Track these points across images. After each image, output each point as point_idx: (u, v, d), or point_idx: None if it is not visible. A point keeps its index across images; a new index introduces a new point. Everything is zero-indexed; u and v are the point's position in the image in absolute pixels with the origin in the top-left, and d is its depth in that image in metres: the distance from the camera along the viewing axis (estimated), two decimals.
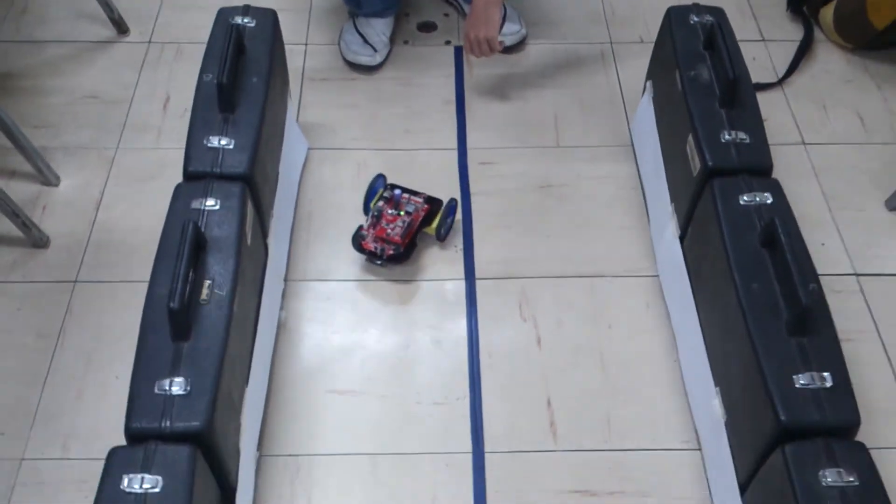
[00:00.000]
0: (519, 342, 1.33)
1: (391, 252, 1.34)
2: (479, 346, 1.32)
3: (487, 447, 1.22)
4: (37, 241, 1.40)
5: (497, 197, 1.51)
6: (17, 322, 1.33)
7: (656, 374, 1.29)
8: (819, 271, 1.08)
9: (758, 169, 1.18)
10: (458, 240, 1.45)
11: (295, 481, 1.18)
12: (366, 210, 1.42)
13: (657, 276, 1.39)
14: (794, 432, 0.94)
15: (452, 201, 1.42)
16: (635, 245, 1.44)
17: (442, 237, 1.41)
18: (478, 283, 1.40)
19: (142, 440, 0.92)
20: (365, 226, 1.37)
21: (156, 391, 0.95)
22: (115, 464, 0.90)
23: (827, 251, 1.43)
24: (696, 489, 1.18)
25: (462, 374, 1.29)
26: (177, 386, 0.95)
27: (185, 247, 1.02)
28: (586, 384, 1.28)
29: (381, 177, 1.44)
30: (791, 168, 1.55)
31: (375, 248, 1.35)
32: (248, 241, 1.15)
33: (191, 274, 1.02)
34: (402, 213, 1.38)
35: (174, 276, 0.99)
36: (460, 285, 1.39)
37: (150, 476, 0.88)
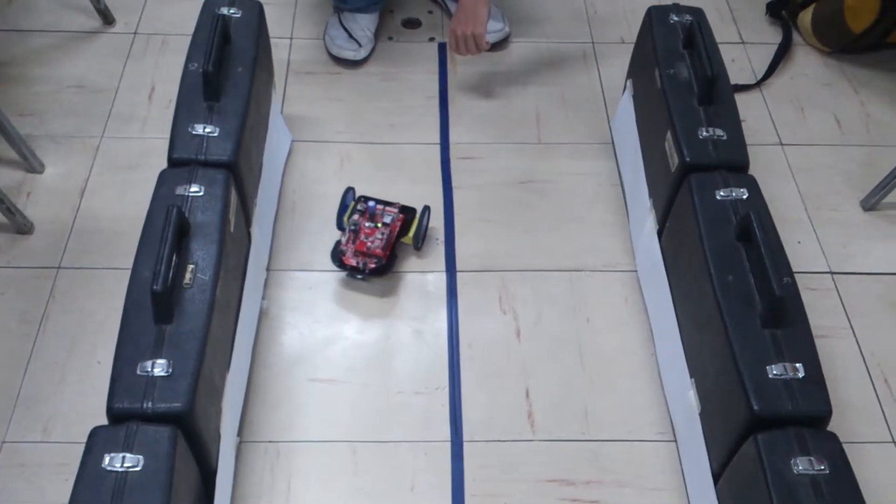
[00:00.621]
0: (498, 334, 1.34)
1: (373, 265, 1.33)
2: (459, 338, 1.33)
3: (466, 436, 1.23)
4: (21, 227, 1.40)
5: (478, 191, 1.53)
6: (0, 307, 1.33)
7: (633, 367, 1.31)
8: (795, 269, 1.10)
9: (735, 165, 1.20)
10: (439, 233, 1.46)
11: (275, 467, 1.19)
12: (339, 225, 1.39)
13: (636, 271, 1.42)
14: (767, 422, 0.96)
15: (426, 209, 1.40)
16: (615, 240, 1.46)
17: (419, 246, 1.40)
18: (458, 275, 1.41)
19: (123, 420, 0.93)
20: (343, 241, 1.35)
21: (138, 372, 0.96)
22: (97, 443, 0.91)
23: (803, 249, 1.46)
24: (672, 479, 1.19)
25: (442, 365, 1.31)
26: (159, 367, 0.96)
27: (168, 231, 1.03)
28: (564, 376, 1.30)
29: (350, 190, 1.41)
30: (768, 168, 1.57)
31: (357, 263, 1.33)
32: (232, 228, 1.16)
33: (174, 258, 1.03)
34: (379, 224, 1.36)
35: (158, 259, 0.99)
36: (441, 277, 1.41)
37: (131, 455, 0.89)
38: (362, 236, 1.35)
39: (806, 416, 0.96)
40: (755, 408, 0.96)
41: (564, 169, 1.57)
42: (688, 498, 1.17)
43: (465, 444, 1.23)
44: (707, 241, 1.11)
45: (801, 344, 1.01)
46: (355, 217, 1.37)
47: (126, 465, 0.89)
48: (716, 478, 1.06)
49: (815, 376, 0.98)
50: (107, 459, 0.89)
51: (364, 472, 1.19)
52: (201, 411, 0.98)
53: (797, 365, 0.99)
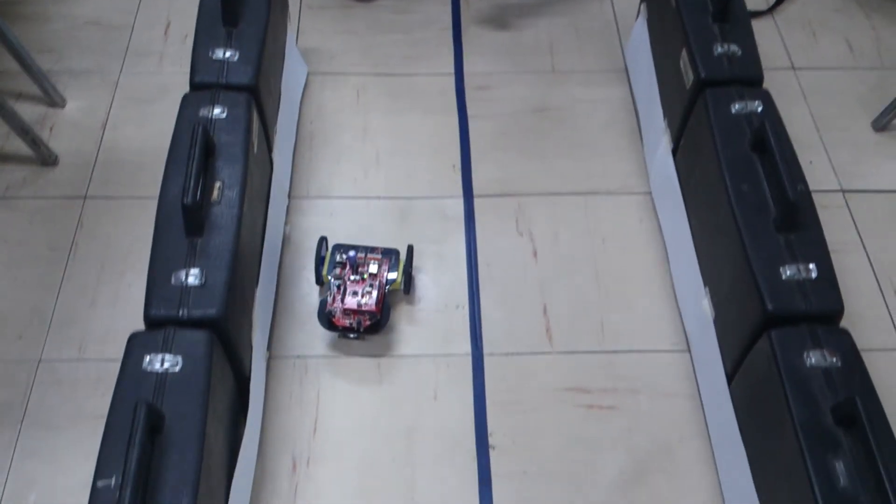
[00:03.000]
0: (516, 255, 1.37)
1: (369, 323, 1.22)
2: (477, 259, 1.36)
3: (486, 350, 1.27)
4: (45, 158, 1.43)
5: (494, 120, 1.55)
6: (30, 235, 1.36)
7: (647, 284, 1.34)
8: None
9: (749, 79, 1.22)
10: (455, 157, 1.49)
11: (304, 380, 1.23)
12: (318, 279, 1.27)
13: (650, 193, 1.44)
14: (780, 319, 0.99)
15: (409, 249, 1.30)
16: (629, 164, 1.48)
17: (408, 289, 1.29)
18: (476, 200, 1.44)
19: (160, 326, 0.96)
20: (329, 300, 1.22)
21: (172, 282, 1.00)
22: (136, 346, 0.95)
23: (815, 169, 1.48)
24: (684, 385, 1.23)
25: (462, 285, 1.34)
26: (192, 277, 1.00)
27: (195, 149, 1.05)
28: (580, 293, 1.33)
29: (323, 240, 1.30)
30: (780, 91, 1.57)
31: (350, 323, 1.22)
32: (255, 150, 1.18)
33: (202, 175, 1.05)
34: (365, 276, 1.24)
35: (187, 175, 1.02)
36: (459, 203, 1.44)
37: (170, 356, 0.93)
38: (350, 292, 1.22)
39: (818, 313, 0.99)
40: (769, 306, 0.99)
41: (578, 96, 1.59)
42: (701, 401, 1.20)
43: (485, 356, 1.26)
44: (722, 152, 1.13)
45: (813, 246, 1.03)
46: (337, 271, 1.25)
47: (165, 365, 0.93)
48: (729, 379, 1.09)
49: (828, 276, 1.01)
50: (147, 360, 0.93)
51: (388, 383, 1.23)
52: (234, 319, 1.02)
53: (810, 265, 1.02)
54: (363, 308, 1.21)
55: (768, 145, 1.09)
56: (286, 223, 1.38)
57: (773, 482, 0.97)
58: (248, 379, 1.09)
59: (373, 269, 1.25)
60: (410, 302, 1.30)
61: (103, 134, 1.50)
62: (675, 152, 1.32)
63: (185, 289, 0.99)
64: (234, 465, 1.01)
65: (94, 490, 0.85)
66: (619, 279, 1.35)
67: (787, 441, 0.92)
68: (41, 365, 1.23)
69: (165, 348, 0.94)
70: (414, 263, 1.34)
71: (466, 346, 1.27)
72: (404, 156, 1.49)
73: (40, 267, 1.33)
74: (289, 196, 1.42)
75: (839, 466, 0.88)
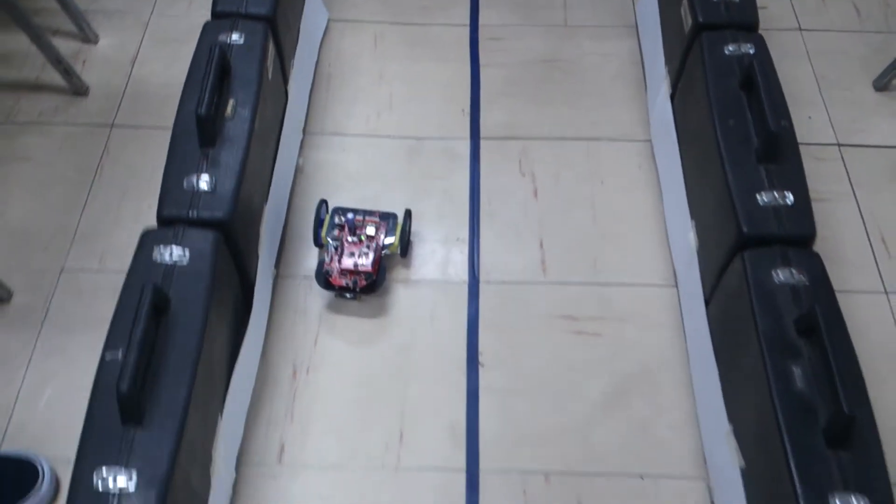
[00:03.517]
0: (517, 193, 1.43)
1: (364, 283, 1.25)
2: (480, 195, 1.43)
3: (483, 278, 1.33)
4: (77, 88, 1.52)
5: (504, 69, 1.61)
6: (59, 158, 1.45)
7: (642, 224, 1.39)
8: (803, 141, 1.17)
9: (745, 24, 1.26)
10: (465, 102, 1.55)
11: (308, 297, 1.30)
12: (317, 241, 1.31)
13: (650, 141, 1.49)
14: (754, 240, 1.04)
15: (407, 213, 1.32)
16: (632, 114, 1.54)
17: (405, 253, 1.33)
18: (482, 142, 1.50)
19: (171, 225, 1.04)
20: (327, 259, 1.26)
21: (184, 187, 1.07)
22: (148, 240, 1.02)
23: (813, 124, 1.52)
24: (669, 317, 1.29)
25: (463, 218, 1.40)
26: (203, 182, 1.07)
27: (211, 67, 1.13)
28: (577, 229, 1.39)
29: (323, 203, 1.33)
30: (785, 52, 1.63)
31: (347, 283, 1.25)
32: (269, 76, 1.25)
33: (217, 93, 1.13)
34: (362, 237, 1.27)
35: (202, 90, 1.10)
36: (466, 144, 1.50)
37: (178, 248, 1.00)
38: (347, 253, 1.26)
39: (791, 236, 1.04)
40: (744, 229, 1.04)
41: (588, 49, 1.64)
42: (683, 331, 1.26)
43: (481, 284, 1.33)
44: (712, 90, 1.18)
45: (791, 175, 1.08)
46: (335, 232, 1.28)
47: (174, 257, 1.00)
48: (707, 303, 1.15)
49: (803, 203, 1.06)
50: (156, 251, 1.00)
51: (389, 306, 1.30)
52: (241, 226, 1.09)
53: (786, 193, 1.06)
54: (359, 269, 1.24)
55: (755, 83, 1.13)
56: (300, 155, 1.46)
57: (738, 392, 1.03)
58: (253, 286, 1.16)
59: (370, 231, 1.28)
60: (407, 266, 1.34)
61: (132, 69, 1.58)
62: (672, 97, 1.37)
63: (196, 193, 1.06)
64: (235, 359, 1.08)
65: (103, 361, 0.93)
66: (614, 219, 1.40)
67: (752, 351, 0.97)
68: (63, 274, 1.32)
69: (175, 241, 1.02)
70: (418, 202, 1.40)
71: (464, 274, 1.34)
72: (416, 100, 1.56)
73: (67, 188, 1.41)
74: (304, 131, 1.49)
75: (797, 371, 0.93)
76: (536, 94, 1.57)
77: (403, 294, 1.31)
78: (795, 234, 1.04)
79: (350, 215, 1.30)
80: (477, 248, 1.36)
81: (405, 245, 1.31)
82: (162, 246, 1.01)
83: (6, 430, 1.17)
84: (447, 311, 1.30)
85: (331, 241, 1.27)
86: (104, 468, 0.85)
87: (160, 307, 0.95)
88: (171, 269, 1.00)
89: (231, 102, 1.16)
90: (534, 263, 1.35)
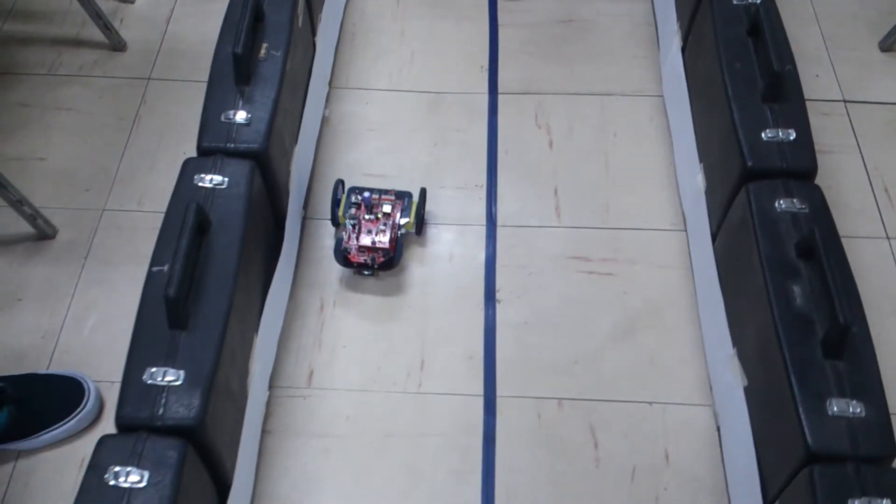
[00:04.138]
0: (533, 144, 1.50)
1: (383, 259, 1.29)
2: (497, 145, 1.49)
3: (499, 222, 1.40)
4: (116, 44, 1.59)
5: (522, 29, 1.67)
6: (99, 107, 1.53)
7: (653, 172, 1.46)
8: (810, 97, 1.24)
9: None
10: (483, 60, 1.62)
11: (331, 236, 1.37)
12: (334, 221, 1.34)
13: (662, 96, 1.55)
14: (759, 174, 1.10)
15: (423, 192, 1.35)
16: (645, 70, 1.60)
17: (419, 231, 1.35)
18: (500, 96, 1.57)
19: (210, 155, 1.11)
20: (345, 238, 1.29)
21: (222, 120, 1.14)
22: (190, 168, 1.10)
23: (820, 81, 1.57)
24: (678, 259, 1.35)
25: (481, 167, 1.47)
26: (240, 116, 1.14)
27: (247, 10, 1.20)
28: (590, 178, 1.45)
29: (339, 182, 1.35)
30: (794, 14, 1.68)
31: (365, 260, 1.28)
32: (300, 24, 1.32)
33: (251, 36, 1.20)
34: (379, 215, 1.31)
35: (237, 31, 1.17)
36: (484, 98, 1.56)
37: (218, 175, 1.08)
38: (365, 231, 1.29)
39: (793, 169, 1.10)
40: (749, 163, 1.10)
41: (603, 11, 1.70)
42: (692, 271, 1.32)
43: (498, 228, 1.39)
44: (720, 36, 1.24)
45: (794, 114, 1.14)
46: (352, 211, 1.31)
47: (214, 182, 1.07)
48: (713, 239, 1.21)
49: (805, 139, 1.12)
50: (197, 178, 1.08)
51: (411, 244, 1.37)
52: (274, 158, 1.16)
53: (790, 130, 1.12)
54: (377, 245, 1.28)
55: (761, 30, 1.19)
56: (326, 107, 1.53)
57: (742, 316, 1.09)
58: (284, 219, 1.23)
59: (386, 209, 1.31)
60: (422, 244, 1.36)
61: (167, 27, 1.65)
62: (683, 51, 1.43)
63: (233, 126, 1.14)
64: (268, 286, 1.16)
65: (150, 274, 1.00)
66: (626, 168, 1.46)
67: (755, 274, 1.04)
68: (104, 213, 1.39)
69: (214, 170, 1.09)
70: (439, 151, 1.47)
71: (482, 218, 1.40)
72: (437, 57, 1.62)
73: (107, 134, 1.49)
74: (329, 85, 1.56)
75: (797, 290, 0.99)
76: (552, 52, 1.63)
77: (420, 253, 1.37)
78: (797, 168, 1.10)
79: (367, 194, 1.33)
80: (494, 195, 1.43)
81: (420, 223, 1.34)
82: (202, 173, 1.08)
83: (53, 354, 1.24)
84: (465, 252, 1.36)
85: (348, 220, 1.30)
86: (153, 368, 0.92)
87: (202, 226, 1.02)
88: (211, 192, 1.07)
89: (264, 46, 1.23)
90: (548, 209, 1.42)
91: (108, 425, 1.18)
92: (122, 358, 1.23)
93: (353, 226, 1.30)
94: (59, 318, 1.28)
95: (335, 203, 1.33)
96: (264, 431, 1.18)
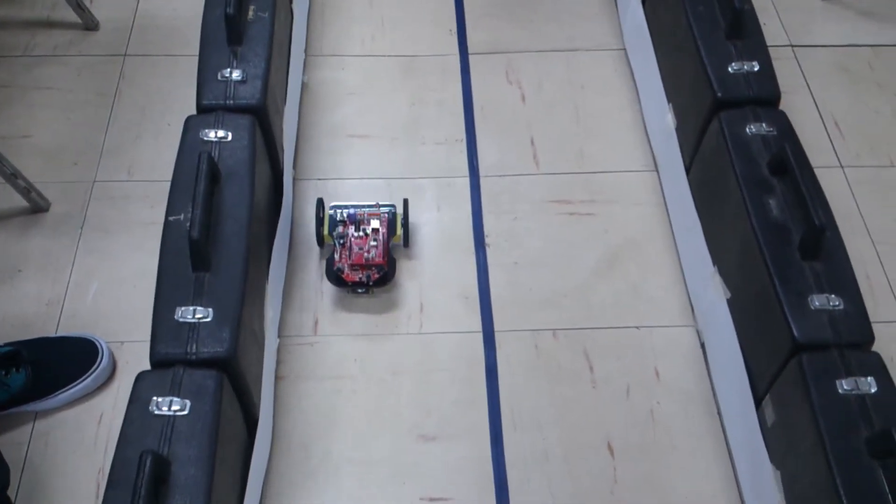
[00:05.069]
0: (506, 99, 1.57)
1: (377, 276, 1.26)
2: (473, 102, 1.56)
3: (482, 173, 1.47)
4: (88, 23, 1.61)
5: None
6: (78, 85, 1.55)
7: (621, 119, 1.54)
8: None
9: None
10: (452, 24, 1.68)
11: (325, 197, 1.42)
12: (320, 241, 1.31)
13: (624, 49, 1.63)
14: (728, 105, 1.19)
15: (405, 202, 1.33)
16: (607, 27, 1.68)
17: (407, 243, 1.33)
18: (470, 56, 1.63)
19: (211, 112, 1.15)
20: (336, 257, 1.26)
21: (219, 79, 1.18)
22: (192, 124, 1.14)
23: (768, 29, 1.67)
24: (653, 197, 1.43)
25: (459, 123, 1.53)
26: (236, 73, 1.19)
27: None
28: (563, 128, 1.53)
29: (320, 201, 1.31)
30: None
31: (360, 278, 1.26)
32: None
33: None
34: (368, 231, 1.28)
35: None
36: (455, 59, 1.63)
37: (222, 130, 1.12)
38: (355, 248, 1.26)
39: (760, 97, 1.19)
40: (718, 94, 1.19)
41: None
42: (666, 208, 1.41)
43: (481, 178, 1.46)
44: None
45: (755, 47, 1.23)
46: (339, 229, 1.28)
47: (219, 135, 1.12)
48: (687, 171, 1.29)
49: (767, 70, 1.21)
50: (201, 133, 1.12)
51: (398, 199, 1.42)
52: (270, 113, 1.21)
53: (753, 62, 1.21)
54: (370, 262, 1.25)
55: None
56: (304, 73, 1.57)
57: (721, 236, 1.18)
58: (282, 174, 1.28)
59: (374, 224, 1.29)
60: (410, 257, 1.35)
61: (138, 4, 1.68)
62: (644, 3, 1.51)
63: (230, 83, 1.18)
64: (272, 237, 1.20)
65: (167, 223, 1.04)
66: (596, 117, 1.54)
67: (732, 194, 1.12)
68: (96, 184, 1.42)
69: (217, 126, 1.13)
70: (417, 111, 1.53)
71: (464, 170, 1.47)
72: (407, 23, 1.68)
73: (89, 110, 1.51)
74: (305, 52, 1.61)
75: (773, 203, 1.08)
76: (516, 14, 1.70)
77: (411, 205, 1.43)
78: (764, 96, 1.19)
79: (352, 210, 1.30)
80: (475, 148, 1.49)
81: (406, 234, 1.32)
82: (206, 128, 1.13)
83: (59, 320, 1.27)
84: (452, 202, 1.43)
85: (336, 239, 1.28)
86: (182, 307, 0.97)
87: (214, 176, 1.06)
88: (217, 145, 1.12)
89: (252, 8, 1.27)
90: (527, 158, 1.49)
91: (122, 383, 1.22)
92: (127, 320, 1.28)
93: (343, 243, 1.28)
94: (61, 286, 1.30)
95: (319, 222, 1.30)
96: (277, 378, 1.22)
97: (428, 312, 1.31)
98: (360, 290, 1.28)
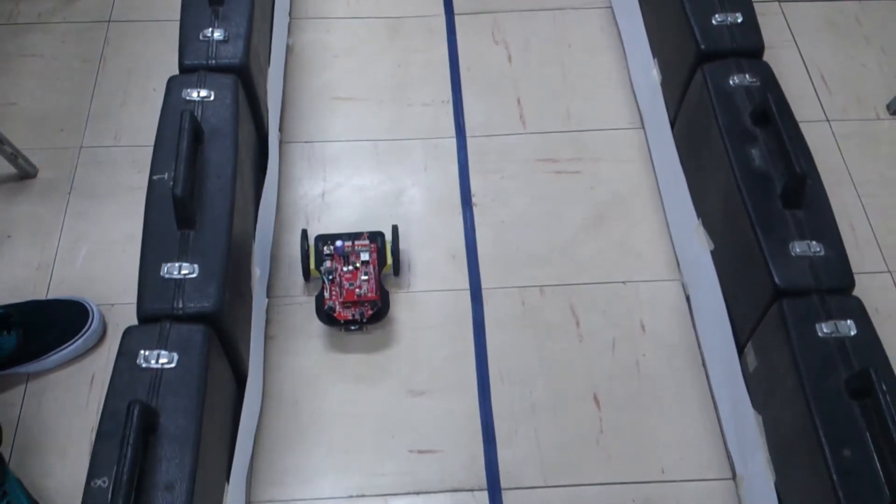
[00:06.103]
0: (492, 59, 1.57)
1: (371, 312, 1.19)
2: (459, 62, 1.55)
3: (469, 133, 1.47)
4: None
5: None
6: (62, 52, 1.54)
7: (608, 78, 1.54)
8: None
9: None
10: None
11: (312, 158, 1.42)
12: (306, 276, 1.24)
13: (611, 7, 1.63)
14: (711, 56, 1.19)
15: (394, 229, 1.27)
16: None
17: (398, 272, 1.27)
18: (456, 17, 1.63)
19: (194, 71, 1.15)
20: (326, 295, 1.20)
21: (200, 39, 1.18)
22: (175, 84, 1.14)
23: None
24: (639, 154, 1.44)
25: (446, 83, 1.53)
26: (217, 33, 1.18)
27: None
28: (550, 87, 1.53)
29: (304, 233, 1.25)
30: None
31: (353, 315, 1.19)
32: None
33: None
34: (357, 264, 1.22)
35: None
36: (441, 20, 1.62)
37: (204, 90, 1.12)
38: (346, 284, 1.20)
39: (743, 49, 1.19)
40: (702, 46, 1.19)
41: None
42: (652, 164, 1.41)
43: (467, 138, 1.46)
44: None
45: (741, 4, 1.23)
46: (328, 264, 1.22)
47: (201, 95, 1.12)
48: (672, 126, 1.30)
49: (751, 21, 1.21)
50: (184, 92, 1.12)
51: (385, 160, 1.43)
52: (253, 73, 1.21)
53: (736, 14, 1.21)
54: (362, 298, 1.19)
55: None
56: (289, 36, 1.57)
57: (705, 188, 1.18)
58: (267, 136, 1.28)
59: (364, 256, 1.23)
60: (401, 286, 1.29)
61: None
62: None
63: (212, 43, 1.18)
64: (258, 200, 1.21)
65: (151, 183, 1.04)
66: (582, 76, 1.54)
67: (715, 145, 1.13)
68: (82, 150, 1.42)
69: (199, 85, 1.13)
70: (403, 72, 1.53)
71: (451, 131, 1.47)
72: None
73: (74, 77, 1.51)
74: (289, 15, 1.60)
75: (755, 153, 1.08)
76: None
77: (396, 169, 1.44)
78: (747, 47, 1.19)
79: (339, 243, 1.23)
80: (461, 109, 1.49)
81: (397, 262, 1.26)
82: (188, 88, 1.13)
83: (49, 284, 1.28)
84: (439, 163, 1.43)
85: (324, 275, 1.21)
86: (168, 264, 0.97)
87: (197, 135, 1.06)
88: (199, 105, 1.12)
89: None
90: (513, 118, 1.49)
91: (112, 344, 1.23)
92: (117, 283, 1.28)
93: (333, 280, 1.21)
94: (51, 251, 1.31)
95: (305, 256, 1.23)
96: (267, 337, 1.23)
97: (415, 271, 1.31)
98: (353, 328, 1.21)
